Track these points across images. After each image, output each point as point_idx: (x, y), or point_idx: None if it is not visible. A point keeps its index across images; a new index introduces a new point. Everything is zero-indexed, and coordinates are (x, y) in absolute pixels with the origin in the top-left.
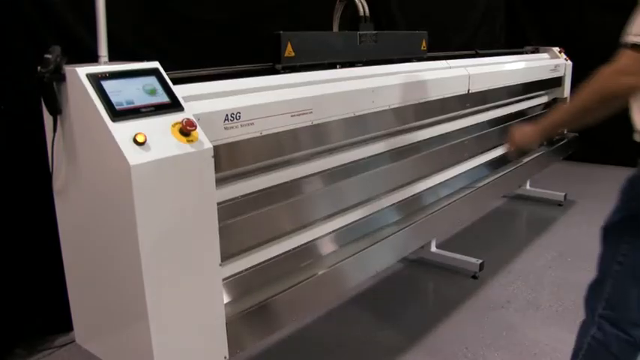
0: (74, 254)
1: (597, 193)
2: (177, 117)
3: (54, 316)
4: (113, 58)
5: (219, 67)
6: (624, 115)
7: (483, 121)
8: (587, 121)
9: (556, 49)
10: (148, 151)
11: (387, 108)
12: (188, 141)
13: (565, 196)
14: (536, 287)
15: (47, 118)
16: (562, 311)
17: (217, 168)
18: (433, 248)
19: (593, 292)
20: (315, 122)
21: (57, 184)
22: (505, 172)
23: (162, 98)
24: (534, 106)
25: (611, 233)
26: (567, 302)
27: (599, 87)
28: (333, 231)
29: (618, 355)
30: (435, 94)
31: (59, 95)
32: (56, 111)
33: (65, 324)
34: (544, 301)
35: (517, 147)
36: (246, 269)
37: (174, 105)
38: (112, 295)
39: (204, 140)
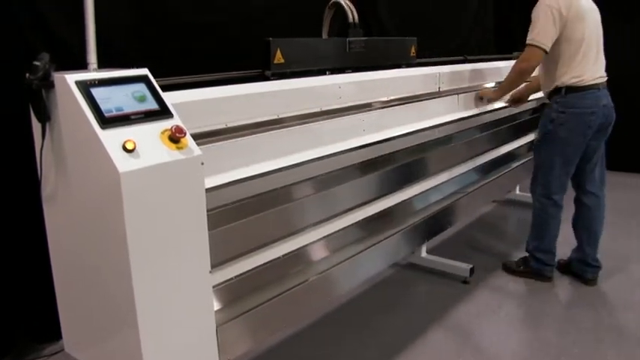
0: (63, 262)
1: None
2: (166, 124)
3: (43, 324)
4: (104, 64)
5: (208, 73)
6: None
7: (473, 126)
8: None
9: None
10: (138, 159)
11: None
12: (177, 148)
13: None
14: (528, 292)
15: (36, 126)
16: (553, 315)
17: None
18: (424, 253)
19: (534, 184)
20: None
21: (46, 191)
22: (495, 177)
23: (152, 105)
24: (523, 112)
25: (538, 147)
26: (558, 306)
27: (517, 67)
28: (324, 237)
29: (551, 212)
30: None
31: (48, 102)
32: (45, 118)
33: (54, 332)
34: (535, 306)
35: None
36: (237, 276)
37: (163, 112)
38: (102, 303)
39: (193, 147)
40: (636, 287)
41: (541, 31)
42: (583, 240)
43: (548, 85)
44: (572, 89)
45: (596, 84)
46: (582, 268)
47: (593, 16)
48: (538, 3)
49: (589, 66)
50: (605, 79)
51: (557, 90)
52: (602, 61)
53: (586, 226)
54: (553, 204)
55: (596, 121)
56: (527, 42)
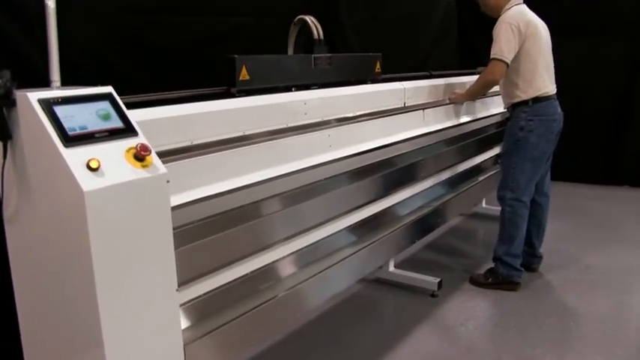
0: (26, 284)
1: (551, 209)
2: (131, 142)
3: (4, 347)
4: (68, 82)
5: (174, 91)
6: (574, 136)
7: (440, 141)
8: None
9: None
10: (102, 177)
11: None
12: (143, 166)
13: None
14: (495, 304)
15: None
16: (521, 326)
17: None
18: (391, 268)
19: (503, 189)
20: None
21: (7, 212)
22: (462, 190)
23: (116, 123)
24: (489, 125)
25: (507, 154)
26: (525, 317)
27: (482, 80)
28: (292, 253)
29: (521, 214)
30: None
31: (9, 121)
32: (6, 137)
33: (16, 356)
34: (503, 318)
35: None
36: (205, 293)
37: (128, 130)
38: (67, 324)
39: (158, 165)
40: (597, 294)
41: (503, 46)
42: (533, 234)
43: (511, 97)
44: (537, 99)
45: (553, 94)
46: (529, 260)
47: (546, 33)
48: (498, 21)
49: (549, 79)
50: (556, 89)
51: (523, 101)
52: (553, 73)
53: (537, 223)
54: (523, 206)
55: (557, 127)
56: (491, 56)
